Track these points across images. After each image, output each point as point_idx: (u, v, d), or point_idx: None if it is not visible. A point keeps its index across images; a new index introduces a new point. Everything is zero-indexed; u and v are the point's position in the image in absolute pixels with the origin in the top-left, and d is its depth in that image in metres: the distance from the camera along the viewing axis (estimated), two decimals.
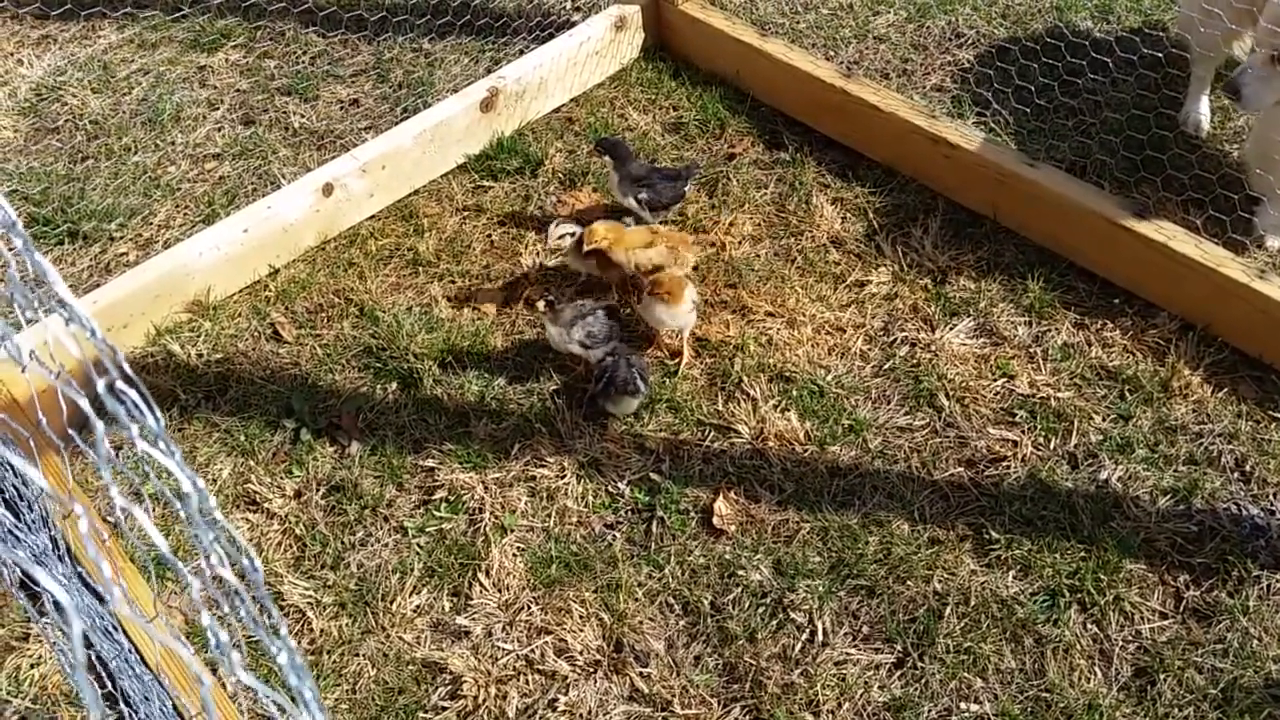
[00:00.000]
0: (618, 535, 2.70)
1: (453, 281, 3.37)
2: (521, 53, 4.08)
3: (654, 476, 2.80)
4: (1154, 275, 2.99)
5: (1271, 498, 2.60)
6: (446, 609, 2.61)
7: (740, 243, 3.39)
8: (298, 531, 2.79)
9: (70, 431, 1.83)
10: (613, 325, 2.98)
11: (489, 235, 3.51)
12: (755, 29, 3.86)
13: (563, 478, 2.82)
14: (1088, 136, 3.49)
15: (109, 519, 2.86)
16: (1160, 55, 3.53)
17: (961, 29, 4.04)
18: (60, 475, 2.80)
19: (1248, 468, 2.66)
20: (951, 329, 3.06)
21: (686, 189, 3.44)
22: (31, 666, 2.59)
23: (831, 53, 4.00)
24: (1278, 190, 3.07)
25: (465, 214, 3.59)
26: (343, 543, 2.76)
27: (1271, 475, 2.64)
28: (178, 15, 4.40)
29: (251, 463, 2.94)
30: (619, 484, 2.80)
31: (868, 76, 3.84)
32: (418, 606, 2.62)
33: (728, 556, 2.62)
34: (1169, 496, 2.64)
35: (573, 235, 3.16)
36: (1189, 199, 3.24)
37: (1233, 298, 2.83)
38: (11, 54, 4.42)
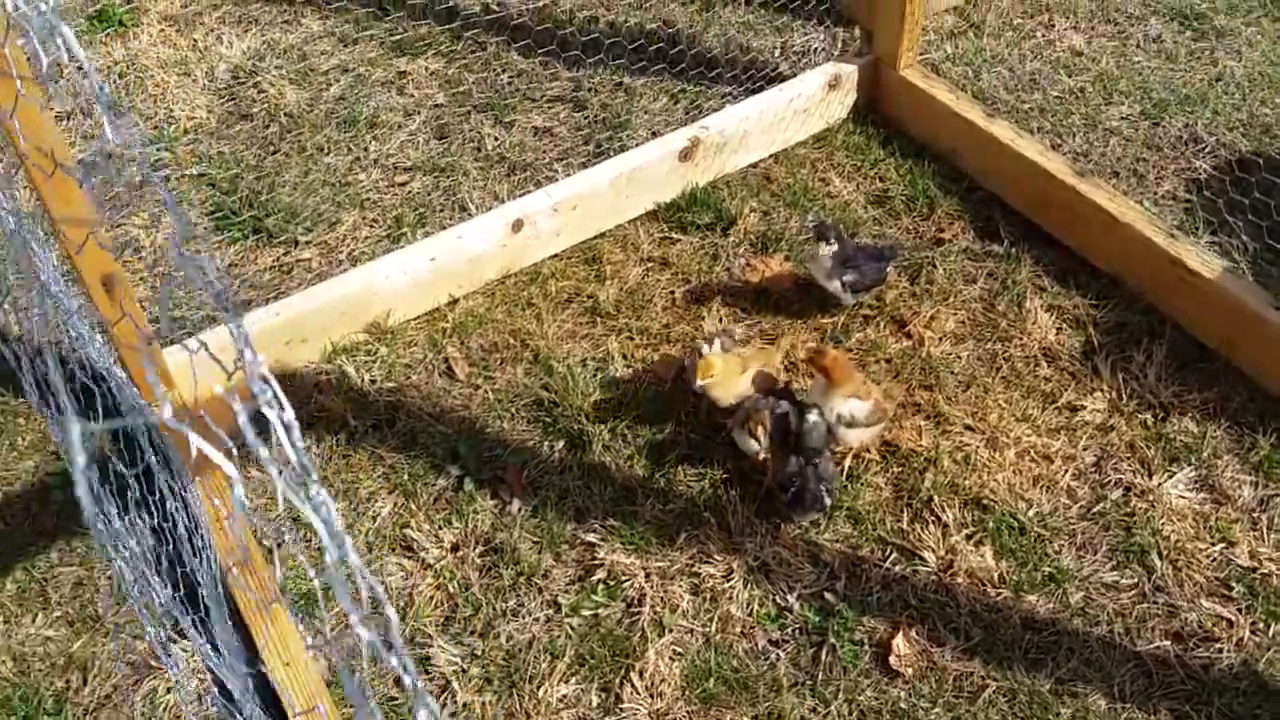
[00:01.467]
0: (782, 655, 2.52)
1: (630, 338, 3.23)
2: (724, 99, 3.93)
3: (828, 596, 2.61)
4: None
5: None
6: (594, 705, 2.47)
7: (940, 340, 3.17)
8: (451, 589, 2.69)
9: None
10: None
11: (672, 292, 3.36)
12: (981, 106, 3.62)
13: (729, 579, 2.65)
14: None
15: (264, 542, 2.81)
16: None
17: (1200, 134, 3.72)
18: (223, 490, 2.75)
19: None
20: (1170, 477, 2.79)
21: (889, 271, 3.23)
22: (167, 691, 2.55)
23: (1058, 140, 3.74)
24: None
25: (650, 265, 3.44)
26: (495, 609, 2.65)
27: None
28: (382, 14, 4.37)
29: (413, 505, 2.85)
30: (789, 596, 2.62)
31: (1095, 170, 3.58)
32: (564, 697, 2.48)
33: (903, 704, 2.42)
34: None
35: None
36: None
37: None
38: (213, 30, 4.44)
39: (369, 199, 3.67)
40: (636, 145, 3.64)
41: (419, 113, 4.00)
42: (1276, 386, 2.93)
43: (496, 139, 3.87)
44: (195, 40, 4.39)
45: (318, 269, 3.44)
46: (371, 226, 3.58)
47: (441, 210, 3.64)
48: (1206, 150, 3.68)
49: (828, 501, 2.67)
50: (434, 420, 3.03)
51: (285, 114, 4.02)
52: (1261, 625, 2.52)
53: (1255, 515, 2.72)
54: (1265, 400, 2.93)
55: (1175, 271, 3.06)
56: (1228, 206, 3.42)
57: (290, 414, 0.85)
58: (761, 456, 2.79)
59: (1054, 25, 4.22)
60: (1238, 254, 3.29)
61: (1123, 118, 3.81)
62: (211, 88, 4.18)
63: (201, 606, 2.33)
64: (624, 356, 3.19)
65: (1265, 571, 2.61)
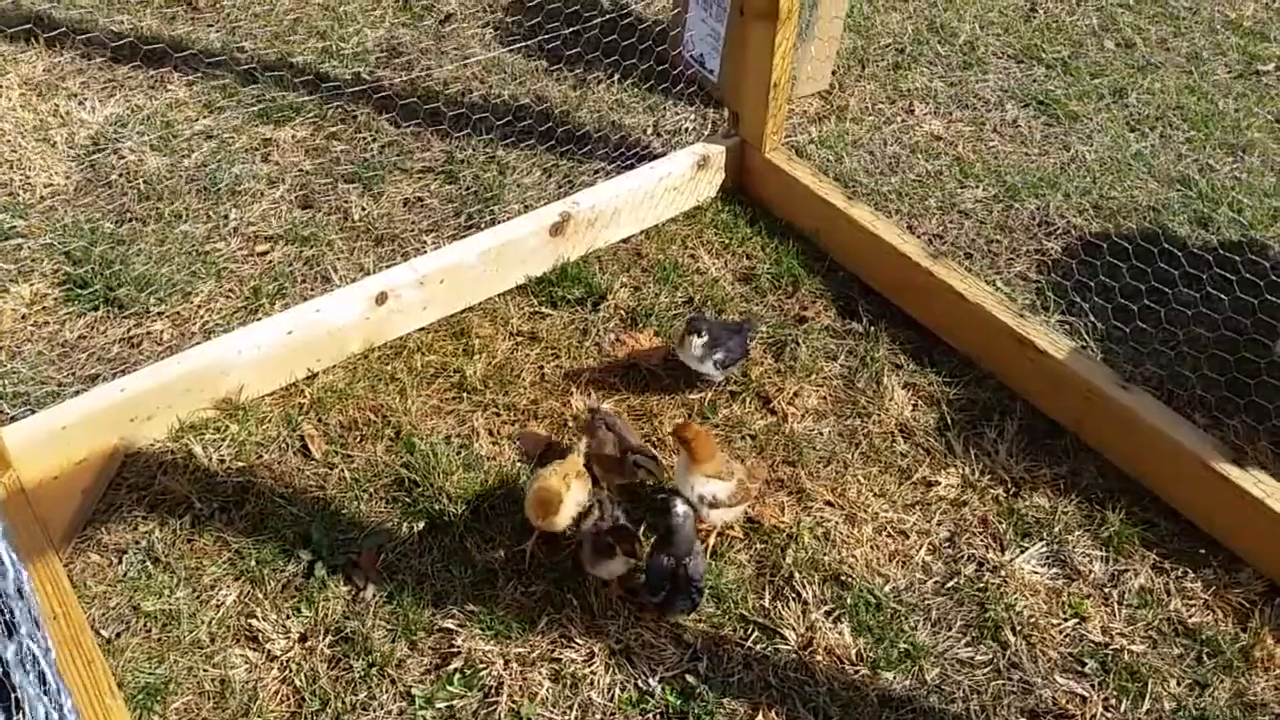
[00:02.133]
0: None
1: (497, 414, 3.18)
2: (596, 174, 3.96)
3: (689, 678, 2.57)
4: (1245, 529, 2.80)
5: None
6: None
7: (803, 416, 3.21)
8: (298, 682, 2.56)
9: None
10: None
11: (541, 367, 3.33)
12: (842, 189, 3.72)
13: (590, 664, 2.59)
14: (1178, 356, 3.32)
15: (102, 632, 2.64)
16: (1260, 282, 3.37)
17: (1051, 217, 3.90)
18: (56, 578, 2.58)
19: None
20: (1023, 552, 2.86)
21: (750, 343, 3.26)
22: None
23: (914, 221, 3.86)
24: None
25: (519, 340, 3.41)
26: (344, 703, 2.53)
27: None
28: (250, 80, 4.29)
29: (259, 593, 2.72)
30: (650, 680, 2.57)
31: (950, 252, 3.70)
32: None
33: None
34: None
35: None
36: None
37: None
38: (75, 94, 4.30)
39: (226, 269, 3.56)
40: (508, 219, 3.62)
41: (283, 181, 3.92)
42: (1125, 463, 3.03)
43: (364, 209, 3.81)
44: (57, 105, 4.24)
45: (168, 342, 3.31)
46: (227, 298, 3.47)
47: (303, 281, 3.55)
48: (1057, 232, 3.85)
49: (699, 601, 2.65)
50: (286, 502, 2.91)
51: (144, 180, 3.89)
52: (1114, 701, 2.58)
53: (1106, 590, 2.80)
54: (1114, 477, 3.03)
55: (1024, 351, 3.17)
56: (1076, 287, 3.57)
57: None
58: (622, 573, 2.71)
59: (914, 111, 4.39)
60: (1086, 333, 3.42)
61: (978, 200, 3.96)
62: (71, 154, 4.03)
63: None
64: (490, 433, 3.13)
65: (1117, 647, 2.68)
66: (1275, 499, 2.73)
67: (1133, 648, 2.66)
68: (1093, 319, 3.45)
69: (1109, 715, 2.54)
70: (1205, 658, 2.65)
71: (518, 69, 4.47)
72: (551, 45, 4.52)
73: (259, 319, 3.27)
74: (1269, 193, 4.02)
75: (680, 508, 2.61)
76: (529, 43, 4.54)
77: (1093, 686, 2.59)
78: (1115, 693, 2.57)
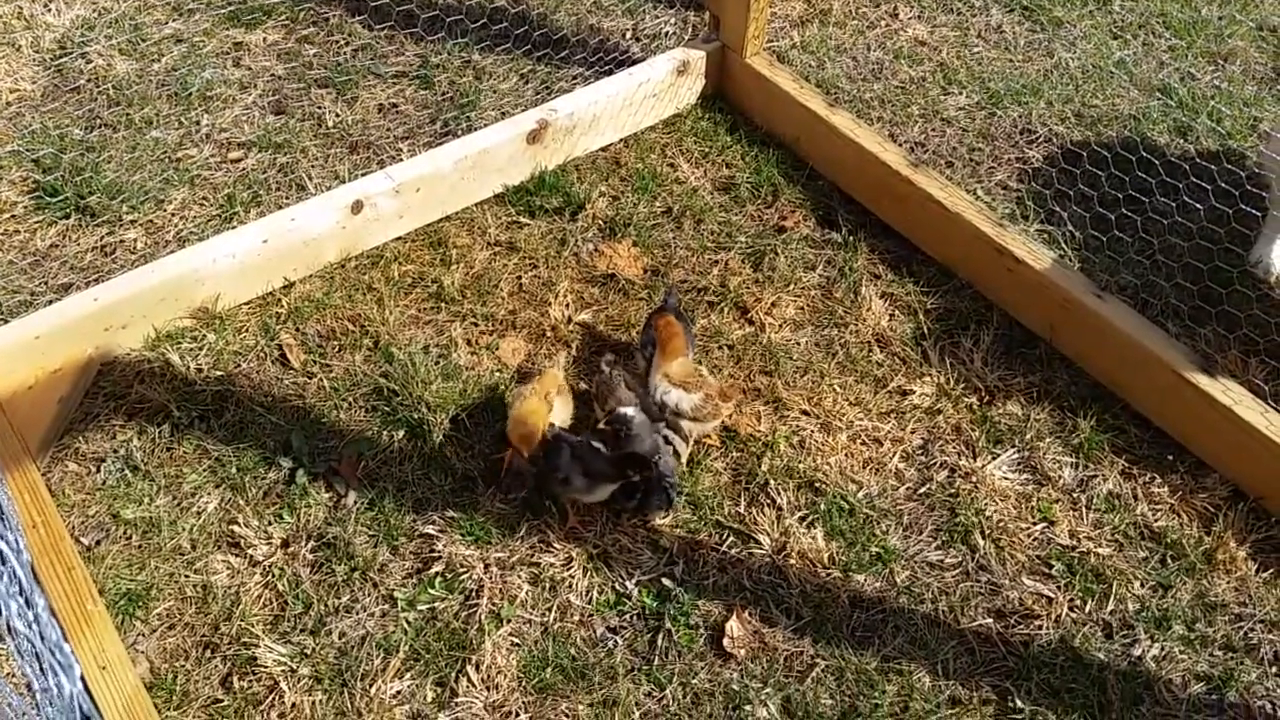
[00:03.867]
0: (620, 642, 2.53)
1: (475, 324, 3.18)
2: (574, 80, 3.89)
3: (665, 581, 2.63)
4: (1212, 436, 2.84)
5: None
6: (429, 700, 2.43)
7: (780, 326, 3.22)
8: (280, 587, 2.60)
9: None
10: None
11: (519, 277, 3.32)
12: (823, 97, 3.67)
13: (569, 568, 2.64)
14: (1153, 265, 3.34)
15: (82, 539, 2.67)
16: (1235, 191, 3.37)
17: (1033, 124, 3.87)
18: (34, 487, 2.60)
19: None
20: (994, 459, 2.90)
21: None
22: None
23: (897, 129, 3.83)
24: None
25: (497, 250, 3.39)
26: (327, 606, 2.58)
27: None
28: None
29: (240, 500, 2.75)
30: (628, 583, 2.62)
31: (931, 160, 3.68)
32: (398, 693, 2.44)
33: (735, 686, 2.46)
34: (1203, 683, 2.50)
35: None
36: (1254, 349, 3.09)
37: None
38: None
39: (199, 176, 3.51)
40: (484, 125, 3.57)
41: (255, 86, 3.84)
42: (1097, 371, 3.07)
43: (338, 115, 3.75)
44: (20, 7, 4.12)
45: (142, 250, 3.28)
46: (201, 205, 3.43)
47: (277, 189, 3.51)
48: (1039, 140, 3.83)
49: (674, 498, 2.69)
50: (265, 411, 2.92)
51: (113, 85, 3.81)
52: (1079, 602, 2.65)
53: (1075, 495, 2.85)
54: (1087, 385, 3.07)
55: (1002, 261, 3.17)
56: (1055, 196, 3.56)
57: None
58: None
59: (898, 15, 4.32)
60: (1065, 242, 3.43)
61: (960, 108, 3.93)
62: (36, 58, 3.93)
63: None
64: (468, 343, 3.13)
65: (1083, 550, 2.74)
66: (1243, 406, 2.78)
67: (1099, 550, 2.73)
68: (1071, 228, 3.45)
69: (1074, 615, 2.61)
70: (1169, 560, 2.72)
71: None
72: None
73: (234, 227, 3.24)
74: (1249, 101, 3.99)
75: (630, 411, 2.65)
76: None
77: (1059, 588, 2.66)
78: (1080, 594, 2.65)
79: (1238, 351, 3.09)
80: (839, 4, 4.34)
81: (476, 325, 3.18)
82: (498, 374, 3.04)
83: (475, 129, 3.57)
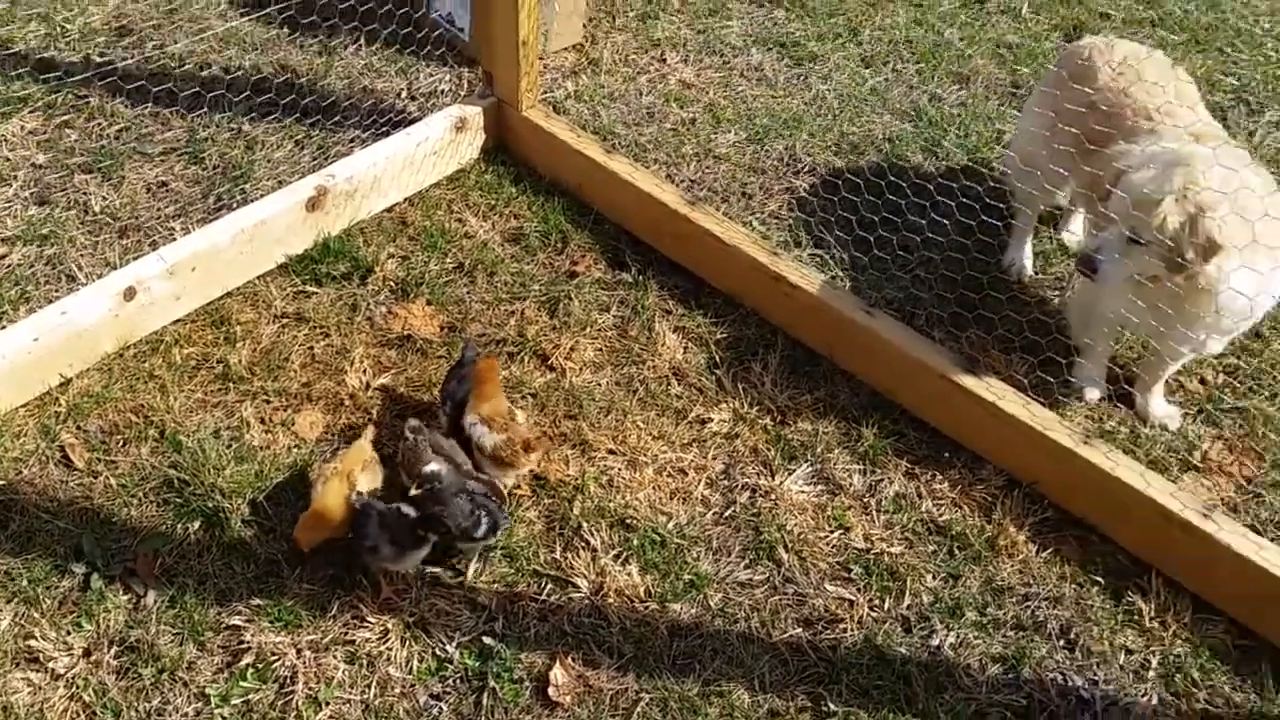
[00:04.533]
0: (444, 708, 2.52)
1: (267, 401, 3.11)
2: (352, 143, 3.88)
3: (486, 639, 2.63)
4: (983, 431, 3.08)
5: (1095, 668, 2.68)
6: None
7: (581, 369, 3.29)
8: (86, 698, 2.47)
9: None
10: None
11: (310, 348, 3.27)
12: (600, 143, 3.79)
13: (386, 640, 2.61)
14: (916, 278, 3.59)
15: None
16: (975, 204, 3.67)
17: (799, 155, 4.10)
18: None
19: (1072, 635, 2.74)
20: (790, 475, 3.05)
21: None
22: None
23: (674, 169, 3.98)
24: (1096, 347, 3.22)
25: (285, 322, 3.33)
26: (137, 711, 2.46)
27: (1095, 644, 2.72)
28: None
29: (35, 613, 2.60)
30: (448, 647, 2.61)
31: (709, 196, 3.84)
32: None
33: None
34: (999, 665, 2.68)
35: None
36: (1012, 347, 3.37)
37: (1058, 460, 2.93)
38: None
39: None
40: (261, 196, 3.51)
41: (15, 178, 3.66)
42: (875, 381, 3.27)
43: (104, 199, 3.61)
44: None
45: None
46: None
47: (46, 283, 3.34)
48: (804, 169, 4.05)
49: (501, 522, 2.70)
50: (52, 516, 2.77)
51: None
52: (878, 601, 2.80)
53: (865, 500, 3.02)
54: (866, 395, 3.27)
55: (780, 287, 3.35)
56: (822, 222, 3.78)
57: None
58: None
59: (665, 60, 4.50)
60: (835, 264, 3.64)
61: (730, 145, 4.12)
62: None
63: None
64: (262, 422, 3.06)
65: (877, 551, 2.91)
66: (1005, 401, 3.02)
67: (891, 550, 2.90)
68: (838, 251, 3.67)
69: (874, 615, 2.77)
70: (956, 551, 2.92)
71: (257, 38, 4.30)
72: (290, 12, 4.36)
73: (2, 327, 3.07)
74: (992, 116, 4.35)
75: (436, 467, 2.69)
76: (267, 11, 4.36)
77: (858, 590, 2.81)
78: (879, 593, 2.81)
79: (998, 350, 3.36)
80: (609, 53, 4.49)
81: (269, 402, 3.11)
82: (296, 450, 2.99)
83: (251, 201, 3.51)
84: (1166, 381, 3.25)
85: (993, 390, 3.05)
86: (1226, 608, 2.79)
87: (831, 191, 3.90)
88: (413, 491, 2.67)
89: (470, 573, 2.74)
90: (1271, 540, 2.82)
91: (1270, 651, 2.73)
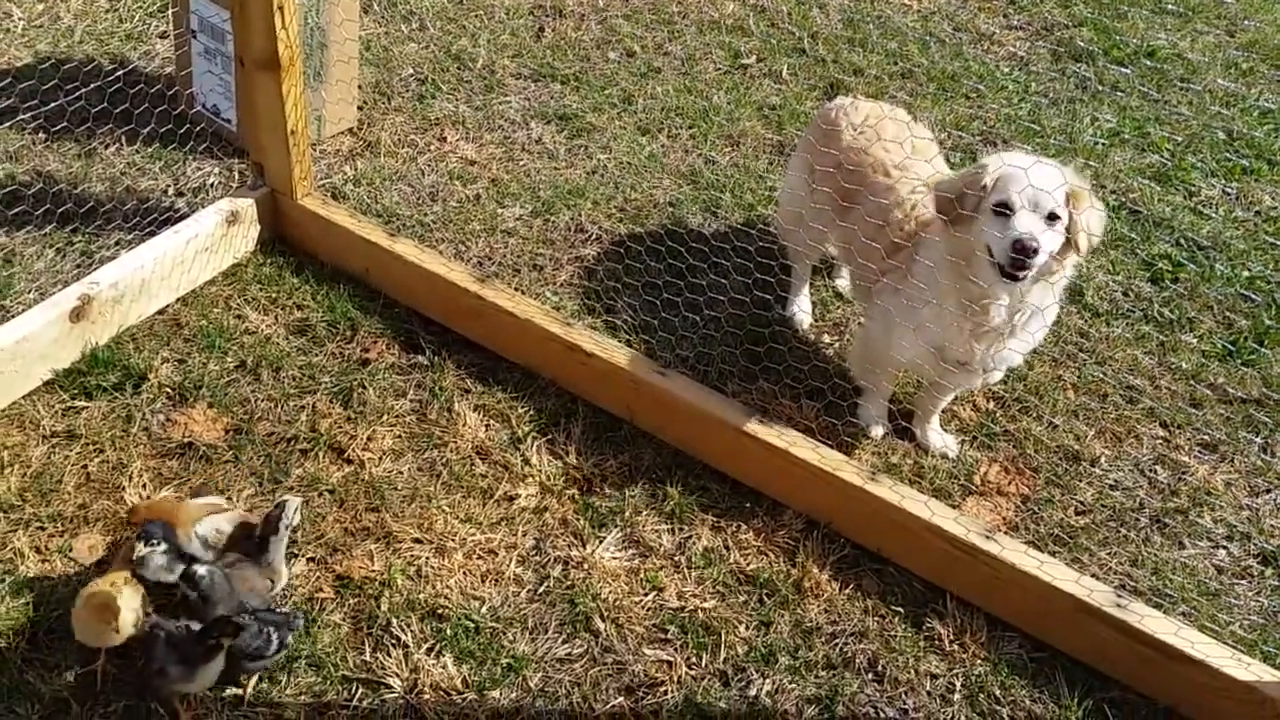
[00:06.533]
0: None
1: (41, 528, 2.90)
2: (118, 245, 3.71)
3: None
4: (779, 478, 3.19)
5: (904, 697, 2.79)
6: None
7: (381, 459, 3.22)
8: None
9: None
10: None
11: (84, 466, 3.08)
12: (384, 226, 3.76)
13: None
14: (705, 335, 3.70)
15: None
16: (752, 261, 3.84)
17: (584, 224, 4.18)
18: None
19: (880, 667, 2.85)
20: (601, 542, 3.07)
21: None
22: None
23: (462, 246, 3.99)
24: (879, 386, 3.41)
25: (55, 442, 3.13)
26: None
27: (901, 673, 2.84)
28: None
29: None
30: None
31: (500, 272, 3.87)
32: None
33: None
34: (814, 706, 2.76)
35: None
36: (799, 393, 3.51)
37: (850, 498, 3.06)
38: None
39: None
40: (21, 311, 3.29)
41: None
42: (675, 439, 3.34)
43: None
44: None
45: None
46: None
47: None
48: (591, 238, 4.13)
49: (287, 632, 2.59)
50: None
51: None
52: (695, 658, 2.84)
53: (676, 559, 3.07)
54: (669, 453, 3.33)
55: (575, 356, 3.39)
56: (611, 289, 3.86)
57: None
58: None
59: (445, 138, 4.52)
60: (627, 329, 3.71)
61: (518, 218, 4.16)
62: None
63: None
64: (37, 551, 2.85)
65: (691, 608, 2.95)
66: (796, 447, 3.14)
67: (704, 605, 2.95)
68: (629, 315, 3.75)
69: (693, 673, 2.80)
70: (765, 598, 3.00)
71: (10, 147, 4.06)
72: (41, 120, 4.15)
73: None
74: (763, 174, 4.57)
75: (197, 568, 2.57)
76: (19, 118, 4.13)
77: (675, 649, 2.84)
78: (695, 650, 2.85)
79: (786, 398, 3.50)
80: (387, 134, 4.47)
81: (44, 529, 2.90)
82: (76, 578, 2.79)
83: (11, 316, 3.29)
84: (941, 413, 3.46)
85: (785, 438, 3.17)
86: (1017, 623, 2.97)
87: (618, 259, 4.00)
88: (184, 590, 2.55)
89: (249, 690, 2.61)
90: (1051, 554, 3.03)
91: (1062, 660, 2.92)
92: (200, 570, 2.57)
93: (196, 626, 2.51)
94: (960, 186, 2.87)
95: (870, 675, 2.84)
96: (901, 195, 3.19)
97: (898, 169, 3.25)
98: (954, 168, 3.63)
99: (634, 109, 4.86)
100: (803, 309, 3.83)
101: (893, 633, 2.94)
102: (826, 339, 3.82)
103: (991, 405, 3.63)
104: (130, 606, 2.53)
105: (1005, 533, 3.05)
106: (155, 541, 2.64)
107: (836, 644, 2.90)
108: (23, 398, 3.21)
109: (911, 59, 5.46)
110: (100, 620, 2.48)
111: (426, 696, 2.66)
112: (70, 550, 2.86)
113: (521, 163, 4.47)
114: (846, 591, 3.03)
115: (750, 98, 5.06)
